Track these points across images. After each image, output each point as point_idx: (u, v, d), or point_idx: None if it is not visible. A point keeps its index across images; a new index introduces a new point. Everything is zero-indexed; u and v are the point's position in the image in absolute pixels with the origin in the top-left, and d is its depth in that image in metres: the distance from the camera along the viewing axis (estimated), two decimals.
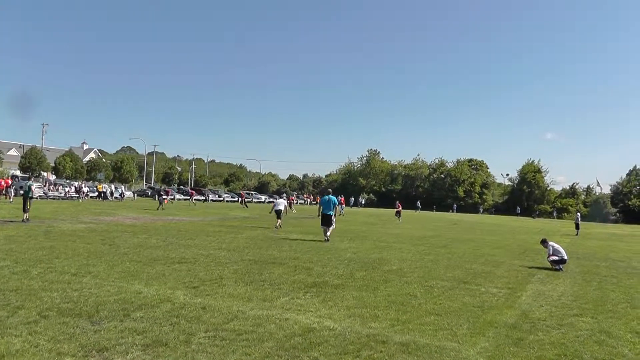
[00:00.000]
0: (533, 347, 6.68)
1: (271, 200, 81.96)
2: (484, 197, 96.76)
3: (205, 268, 11.41)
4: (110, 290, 8.44)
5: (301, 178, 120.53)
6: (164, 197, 36.94)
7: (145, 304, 7.62)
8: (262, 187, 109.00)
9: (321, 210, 20.14)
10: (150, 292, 8.50)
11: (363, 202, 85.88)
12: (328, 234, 19.50)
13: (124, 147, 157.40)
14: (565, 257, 15.07)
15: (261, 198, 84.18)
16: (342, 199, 51.85)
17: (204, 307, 7.60)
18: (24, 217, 21.27)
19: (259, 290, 9.18)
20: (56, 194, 50.40)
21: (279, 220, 25.24)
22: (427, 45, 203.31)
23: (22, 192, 24.46)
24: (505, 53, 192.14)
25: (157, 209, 33.80)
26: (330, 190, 25.05)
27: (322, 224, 19.82)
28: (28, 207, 21.76)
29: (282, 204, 26.65)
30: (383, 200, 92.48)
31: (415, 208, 77.11)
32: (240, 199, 65.95)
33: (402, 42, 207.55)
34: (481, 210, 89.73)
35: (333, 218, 20.03)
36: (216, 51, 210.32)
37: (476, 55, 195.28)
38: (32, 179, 27.54)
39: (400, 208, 44.34)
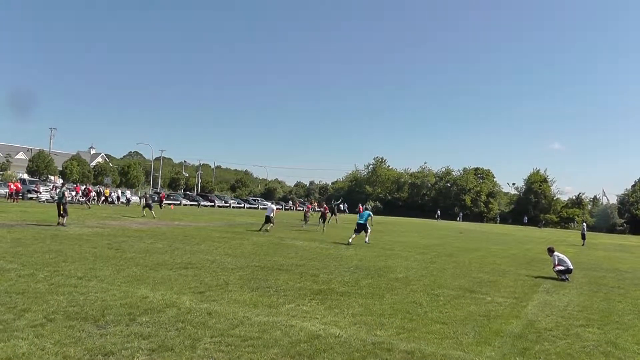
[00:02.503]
0: (539, 357, 6.69)
1: (279, 207, 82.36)
2: (490, 206, 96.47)
3: (211, 273, 11.42)
4: (117, 295, 8.46)
5: (308, 185, 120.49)
6: (150, 203, 34.53)
7: (151, 308, 7.64)
8: (268, 193, 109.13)
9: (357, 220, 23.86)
10: (156, 297, 8.51)
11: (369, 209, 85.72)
12: (350, 240, 21.93)
13: (131, 152, 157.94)
14: (571, 267, 15.03)
15: (267, 205, 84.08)
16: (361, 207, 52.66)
17: (210, 313, 7.61)
18: (62, 221, 21.71)
19: (265, 297, 9.18)
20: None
21: (269, 225, 26.54)
22: (435, 55, 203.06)
23: (56, 197, 24.56)
24: (514, 63, 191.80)
25: (143, 215, 32.64)
26: (368, 207, 29.68)
27: (356, 231, 22.90)
28: (61, 211, 21.95)
29: (271, 210, 27.73)
30: (389, 208, 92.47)
31: (436, 217, 77.15)
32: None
33: (410, 51, 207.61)
34: (498, 219, 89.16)
35: (368, 226, 23.03)
36: (224, 57, 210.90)
37: (484, 66, 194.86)
38: (65, 185, 27.80)
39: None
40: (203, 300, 8.52)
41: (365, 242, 22.35)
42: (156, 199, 44.37)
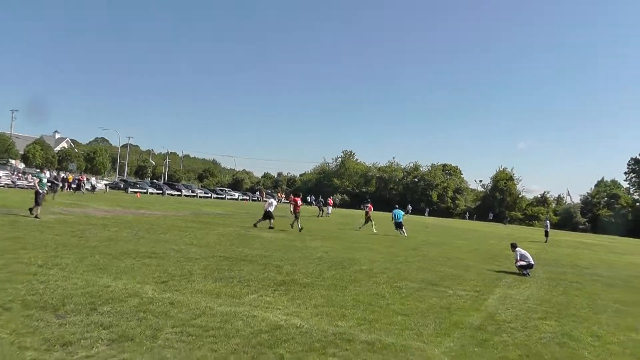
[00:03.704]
0: (497, 347, 6.87)
1: (244, 197, 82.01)
2: (457, 202, 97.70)
3: (175, 263, 11.35)
4: (78, 283, 8.35)
5: (275, 176, 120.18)
6: (56, 185, 31.15)
7: (113, 298, 7.57)
8: (236, 184, 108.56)
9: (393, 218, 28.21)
10: (119, 286, 8.44)
11: (337, 203, 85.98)
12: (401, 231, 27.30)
13: (97, 138, 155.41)
14: (533, 263, 15.40)
15: (234, 195, 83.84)
16: (330, 200, 52.80)
17: (172, 303, 7.58)
18: (36, 212, 19.56)
19: (228, 287, 9.18)
20: (25, 183, 49.36)
21: (271, 221, 24.67)
22: (407, 53, 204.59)
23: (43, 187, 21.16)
24: (486, 62, 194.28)
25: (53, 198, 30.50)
26: (397, 205, 30.96)
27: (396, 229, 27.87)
28: (40, 200, 19.88)
29: (273, 204, 25.95)
30: (356, 201, 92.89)
31: (406, 211, 77.17)
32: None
33: (381, 48, 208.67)
34: (467, 215, 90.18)
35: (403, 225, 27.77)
36: (193, 47, 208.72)
37: (456, 65, 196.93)
38: (44, 170, 24.20)
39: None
40: (166, 290, 8.47)
41: (404, 235, 27.13)
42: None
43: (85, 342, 5.56)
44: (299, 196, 28.39)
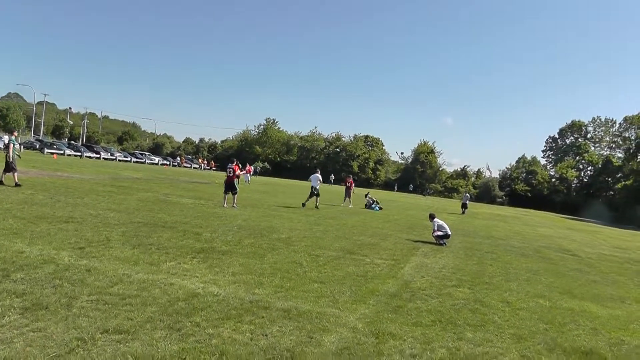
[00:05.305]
0: (411, 314, 7.27)
1: (164, 162, 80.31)
2: (378, 173, 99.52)
3: (92, 229, 11.17)
4: None
5: (197, 142, 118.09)
6: None
7: (27, 264, 7.44)
8: (156, 148, 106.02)
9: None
10: (34, 252, 8.28)
11: (258, 170, 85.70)
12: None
13: (10, 93, 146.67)
14: (449, 233, 16.19)
15: (155, 160, 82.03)
16: (236, 167, 51.47)
17: (89, 270, 7.53)
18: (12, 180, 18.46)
19: (146, 254, 9.18)
20: None
21: (317, 199, 25.21)
22: (332, 20, 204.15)
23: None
24: (413, 37, 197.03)
25: None
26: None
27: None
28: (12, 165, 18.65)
29: (316, 179, 25.86)
30: (277, 170, 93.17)
31: (329, 181, 77.25)
32: None
33: (308, 16, 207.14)
34: (396, 187, 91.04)
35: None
36: (115, 5, 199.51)
37: (384, 36, 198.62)
38: (12, 133, 20.78)
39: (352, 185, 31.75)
40: (83, 257, 8.39)
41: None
42: None
43: None
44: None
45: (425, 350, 5.82)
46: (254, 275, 8.49)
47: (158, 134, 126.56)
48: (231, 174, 20.67)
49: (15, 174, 18.74)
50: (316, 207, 24.63)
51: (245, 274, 8.51)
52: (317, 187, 25.39)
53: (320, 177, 26.34)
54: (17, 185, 18.11)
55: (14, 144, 19.40)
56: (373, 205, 29.82)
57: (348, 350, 5.50)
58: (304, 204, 24.42)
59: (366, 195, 31.73)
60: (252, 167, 55.75)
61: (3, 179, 18.47)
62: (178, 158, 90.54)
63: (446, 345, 6.07)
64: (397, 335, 6.20)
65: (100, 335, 5.11)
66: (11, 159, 18.71)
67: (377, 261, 11.44)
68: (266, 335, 5.67)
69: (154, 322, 5.66)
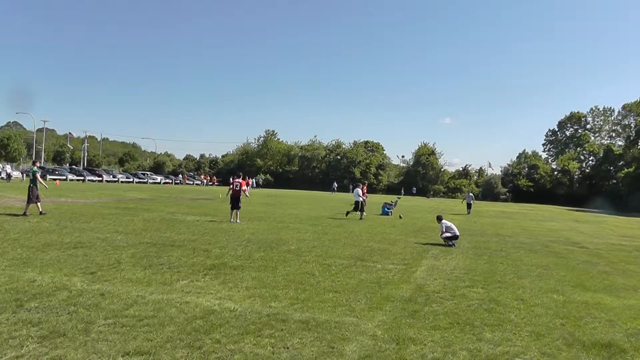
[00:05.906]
0: (428, 317, 7.23)
1: (167, 181, 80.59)
2: (380, 177, 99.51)
3: (102, 252, 11.15)
4: (1, 280, 8.09)
5: (198, 158, 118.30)
6: None
7: (40, 292, 7.40)
8: (158, 167, 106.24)
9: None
10: (45, 279, 8.24)
11: (260, 183, 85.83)
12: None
13: (10, 122, 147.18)
14: (458, 234, 16.12)
15: (157, 179, 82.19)
16: (243, 181, 51.68)
17: (103, 294, 7.49)
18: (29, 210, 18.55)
19: (158, 274, 9.15)
20: None
21: (363, 213, 25.52)
22: (329, 31, 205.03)
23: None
24: (411, 39, 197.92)
25: None
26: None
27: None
28: (31, 195, 18.74)
29: (359, 193, 26.13)
30: (280, 181, 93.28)
31: (332, 190, 78.07)
32: None
33: (302, 26, 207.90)
34: (403, 192, 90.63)
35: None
36: (113, 28, 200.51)
37: (382, 42, 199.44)
38: (35, 164, 20.42)
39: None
40: (95, 281, 8.35)
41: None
42: None
43: (14, 341, 5.39)
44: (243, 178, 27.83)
45: (446, 353, 5.77)
46: (268, 289, 8.45)
47: (159, 153, 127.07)
48: (238, 188, 20.60)
49: (39, 203, 18.95)
50: (360, 218, 25.12)
51: (259, 288, 8.47)
52: (360, 200, 25.84)
53: (360, 190, 26.63)
54: (41, 214, 18.42)
55: (39, 174, 19.69)
56: (387, 209, 30.06)
57: (370, 358, 5.46)
58: (348, 213, 25.99)
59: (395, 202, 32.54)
60: (251, 181, 55.79)
61: (27, 211, 18.46)
62: (180, 176, 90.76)
63: (467, 347, 6.03)
64: (417, 340, 6.15)
65: (121, 358, 5.08)
66: (38, 190, 19.01)
67: (389, 266, 11.41)
68: (287, 348, 5.62)
69: (174, 342, 5.62)
